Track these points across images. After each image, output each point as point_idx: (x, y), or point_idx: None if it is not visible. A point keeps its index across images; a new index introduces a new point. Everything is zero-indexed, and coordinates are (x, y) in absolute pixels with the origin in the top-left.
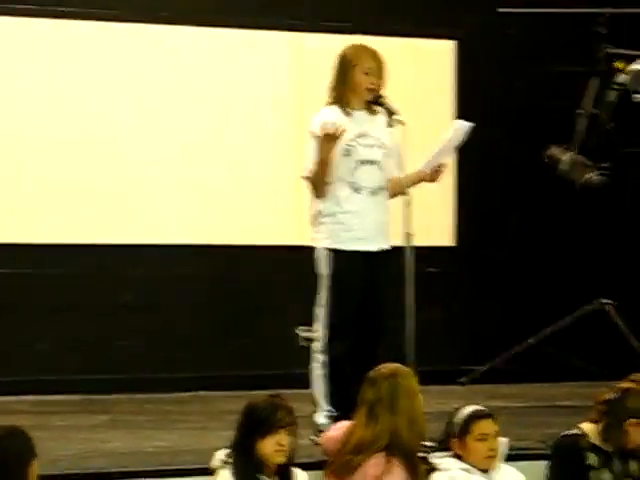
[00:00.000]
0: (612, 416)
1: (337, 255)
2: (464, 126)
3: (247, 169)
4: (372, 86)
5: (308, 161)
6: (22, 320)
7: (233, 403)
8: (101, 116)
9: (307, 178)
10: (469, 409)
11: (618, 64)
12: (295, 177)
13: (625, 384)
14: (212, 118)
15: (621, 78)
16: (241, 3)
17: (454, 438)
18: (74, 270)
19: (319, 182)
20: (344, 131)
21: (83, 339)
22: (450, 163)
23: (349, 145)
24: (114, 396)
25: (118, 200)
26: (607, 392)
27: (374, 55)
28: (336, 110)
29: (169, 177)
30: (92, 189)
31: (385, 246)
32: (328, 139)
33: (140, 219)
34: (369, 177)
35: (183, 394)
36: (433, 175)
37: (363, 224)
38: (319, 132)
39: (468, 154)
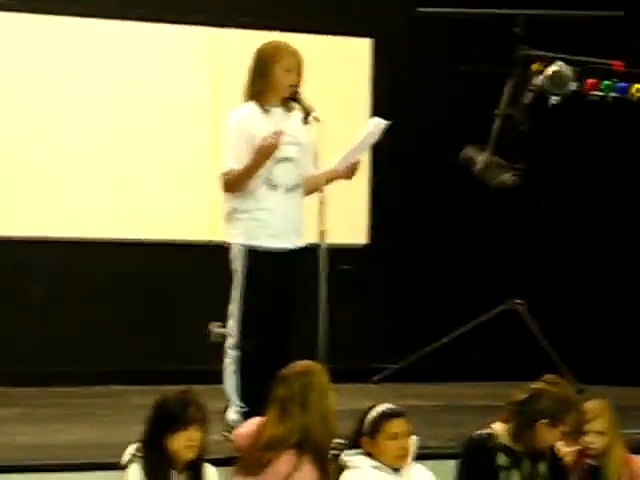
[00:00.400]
0: (523, 416)
1: (252, 252)
2: (379, 124)
3: (162, 165)
4: (292, 84)
5: (228, 159)
6: None
7: (144, 397)
8: (16, 107)
9: (225, 175)
10: (381, 408)
11: (535, 66)
12: (209, 173)
13: (537, 385)
14: (129, 114)
15: (538, 80)
16: None
17: (365, 436)
18: None
19: (242, 184)
20: (282, 136)
21: None
22: (364, 161)
23: None
24: (23, 389)
25: (32, 194)
26: (518, 392)
27: (294, 52)
28: (253, 107)
29: (85, 171)
30: (9, 181)
31: (300, 244)
32: (269, 150)
33: (54, 212)
34: (285, 174)
35: (94, 387)
36: (348, 172)
37: (279, 221)
38: (259, 143)
39: (383, 152)
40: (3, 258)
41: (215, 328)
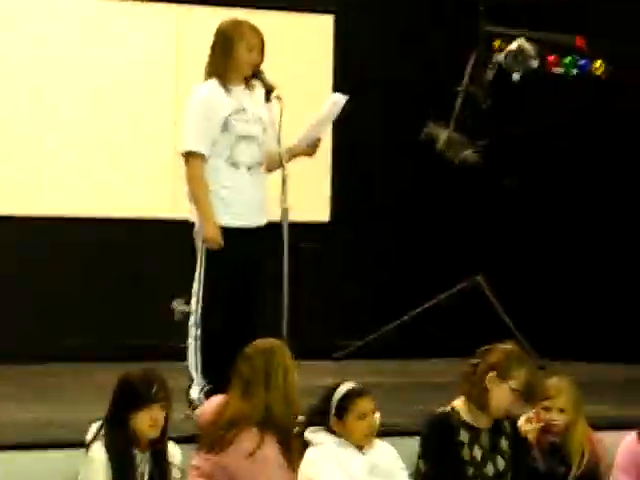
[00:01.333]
0: (475, 376)
1: None
2: (340, 99)
3: (126, 141)
4: (255, 62)
5: (191, 138)
6: None
7: (108, 374)
8: None
9: (188, 156)
10: (346, 387)
11: (497, 42)
12: (173, 149)
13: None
14: (94, 91)
15: (499, 57)
16: None
17: (333, 416)
18: None
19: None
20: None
21: None
22: (326, 137)
23: (227, 121)
24: None
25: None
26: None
27: (256, 31)
28: (216, 85)
29: (46, 148)
30: None
31: (263, 222)
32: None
33: (19, 189)
34: (247, 152)
35: (56, 364)
36: (310, 149)
37: (242, 200)
38: (209, 240)
39: (344, 128)
40: None
41: (178, 306)
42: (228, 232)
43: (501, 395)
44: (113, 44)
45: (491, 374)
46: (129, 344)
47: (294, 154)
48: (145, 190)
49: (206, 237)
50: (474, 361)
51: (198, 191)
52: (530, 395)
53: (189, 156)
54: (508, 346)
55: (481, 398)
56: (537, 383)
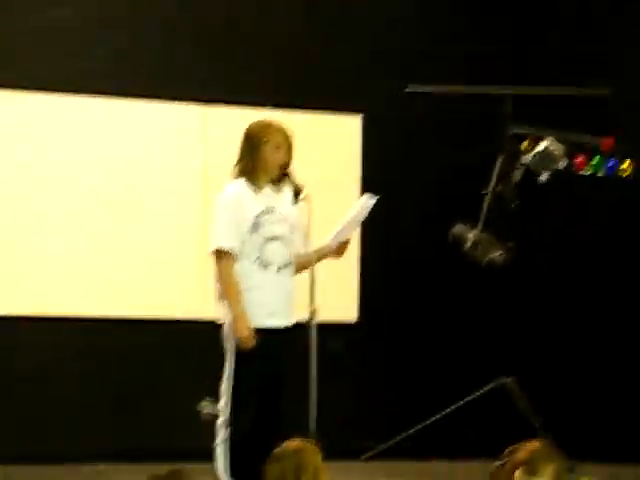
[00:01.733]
0: (503, 474)
1: None
2: (370, 201)
3: (152, 242)
4: (282, 163)
5: (220, 237)
6: None
7: (134, 476)
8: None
9: (218, 252)
10: None
11: (523, 145)
12: (200, 250)
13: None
14: (121, 191)
15: (527, 158)
16: (153, 75)
17: None
18: None
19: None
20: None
21: None
22: (354, 237)
23: (256, 221)
24: (9, 467)
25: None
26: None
27: (283, 131)
28: (244, 186)
29: (70, 246)
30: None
31: (292, 322)
32: (242, 343)
33: (41, 290)
34: (276, 253)
35: (81, 467)
36: (338, 251)
37: (270, 300)
38: (241, 339)
39: (372, 229)
40: None
41: (206, 406)
42: (258, 332)
43: None
44: (139, 144)
45: (519, 471)
46: (153, 446)
47: (323, 255)
48: (170, 291)
49: (238, 336)
50: (502, 460)
51: (229, 290)
52: None
53: (219, 254)
54: (536, 444)
55: None
56: None
